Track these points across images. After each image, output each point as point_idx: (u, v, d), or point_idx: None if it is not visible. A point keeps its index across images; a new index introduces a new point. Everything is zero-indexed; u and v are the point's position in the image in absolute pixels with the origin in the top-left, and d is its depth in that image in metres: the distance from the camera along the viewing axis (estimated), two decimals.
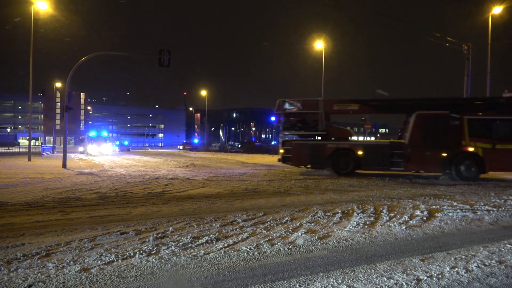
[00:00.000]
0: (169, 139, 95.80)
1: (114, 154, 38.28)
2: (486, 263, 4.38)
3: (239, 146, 61.63)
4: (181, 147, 65.76)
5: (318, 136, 15.96)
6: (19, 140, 72.54)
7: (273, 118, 16.49)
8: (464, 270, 4.12)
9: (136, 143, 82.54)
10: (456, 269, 4.17)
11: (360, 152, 14.79)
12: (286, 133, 16.82)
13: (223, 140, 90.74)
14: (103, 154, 36.28)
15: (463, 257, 4.62)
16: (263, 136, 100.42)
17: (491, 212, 7.44)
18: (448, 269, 4.17)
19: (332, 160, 15.04)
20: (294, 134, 16.67)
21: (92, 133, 41.22)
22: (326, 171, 15.12)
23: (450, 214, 7.20)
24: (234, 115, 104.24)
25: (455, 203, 8.34)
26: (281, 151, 15.86)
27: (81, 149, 41.16)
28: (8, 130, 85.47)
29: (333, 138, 15.52)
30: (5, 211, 7.25)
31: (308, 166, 15.87)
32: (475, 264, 4.33)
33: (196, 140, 72.22)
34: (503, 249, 4.97)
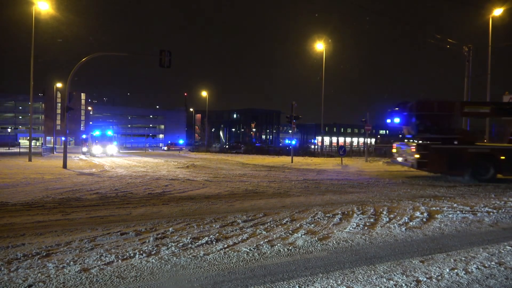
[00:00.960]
0: (170, 140, 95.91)
1: (116, 155, 38.09)
2: (486, 265, 4.39)
3: (226, 146, 61.28)
4: (165, 147, 65.81)
5: (444, 140, 14.59)
6: (20, 140, 72.69)
7: (397, 120, 15.49)
8: (463, 272, 4.13)
9: (136, 144, 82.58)
10: (456, 270, 4.18)
11: (502, 157, 13.69)
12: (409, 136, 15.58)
13: (224, 141, 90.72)
14: (107, 155, 35.44)
15: (463, 258, 4.62)
16: (263, 137, 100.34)
17: (491, 213, 7.44)
18: (447, 270, 4.18)
19: (472, 166, 13.84)
20: (426, 137, 15.27)
21: (96, 133, 40.11)
22: (464, 178, 13.97)
23: (450, 215, 7.20)
24: (235, 115, 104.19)
25: (455, 205, 8.34)
26: (417, 156, 14.26)
27: (84, 149, 39.97)
28: (9, 130, 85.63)
29: (455, 142, 14.32)
30: (5, 211, 7.27)
31: (444, 173, 14.61)
32: (475, 266, 4.34)
33: (181, 141, 72.34)
34: (502, 251, 4.98)
